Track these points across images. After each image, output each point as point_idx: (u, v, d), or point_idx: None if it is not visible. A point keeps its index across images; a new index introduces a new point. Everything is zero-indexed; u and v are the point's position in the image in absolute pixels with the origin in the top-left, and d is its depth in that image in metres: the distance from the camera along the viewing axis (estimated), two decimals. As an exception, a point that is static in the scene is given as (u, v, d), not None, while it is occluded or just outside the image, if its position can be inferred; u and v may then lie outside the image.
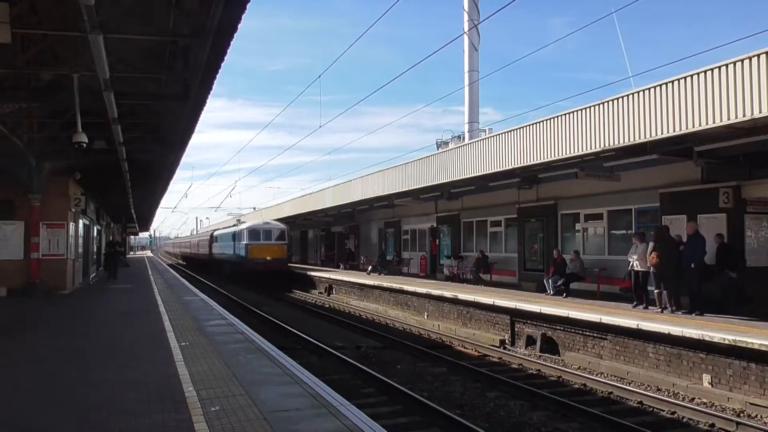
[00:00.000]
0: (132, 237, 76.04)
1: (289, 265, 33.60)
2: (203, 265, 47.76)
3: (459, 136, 32.81)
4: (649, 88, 11.31)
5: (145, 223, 63.51)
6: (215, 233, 43.34)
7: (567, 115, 13.54)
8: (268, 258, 30.31)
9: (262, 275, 29.84)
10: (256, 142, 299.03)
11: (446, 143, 32.09)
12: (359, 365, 10.91)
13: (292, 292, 29.11)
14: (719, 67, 9.86)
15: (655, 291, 12.35)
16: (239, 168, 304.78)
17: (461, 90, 32.00)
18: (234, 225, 37.63)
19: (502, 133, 16.20)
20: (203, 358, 7.84)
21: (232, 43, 8.93)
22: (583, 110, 13.04)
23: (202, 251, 49.57)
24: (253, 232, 31.61)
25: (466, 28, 27.01)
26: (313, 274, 30.08)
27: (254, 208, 49.99)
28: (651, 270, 12.25)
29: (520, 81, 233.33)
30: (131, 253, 73.45)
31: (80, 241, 21.41)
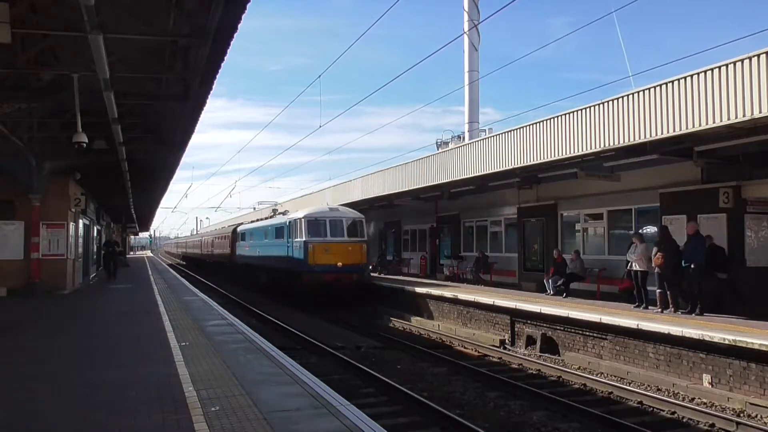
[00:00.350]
0: (132, 237, 76.14)
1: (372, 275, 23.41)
2: (220, 270, 36.97)
3: (459, 136, 32.87)
4: (649, 88, 11.32)
5: (145, 223, 63.56)
6: (241, 228, 31.58)
7: (567, 115, 13.56)
8: (340, 264, 19.61)
9: (331, 291, 19.49)
10: (256, 142, 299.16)
11: (446, 143, 32.15)
12: (359, 365, 10.90)
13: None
14: (719, 67, 9.87)
15: (658, 291, 12.31)
16: (239, 168, 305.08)
17: (461, 90, 32.04)
18: (270, 217, 28.19)
19: (502, 133, 16.22)
20: (203, 358, 7.83)
21: (232, 43, 8.97)
22: (583, 110, 13.05)
23: (218, 252, 38.24)
24: (315, 224, 20.29)
25: (466, 28, 27.05)
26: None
27: (254, 208, 49.35)
28: (656, 270, 12.20)
29: (520, 81, 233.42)
30: (131, 253, 73.47)
31: (80, 241, 21.42)
